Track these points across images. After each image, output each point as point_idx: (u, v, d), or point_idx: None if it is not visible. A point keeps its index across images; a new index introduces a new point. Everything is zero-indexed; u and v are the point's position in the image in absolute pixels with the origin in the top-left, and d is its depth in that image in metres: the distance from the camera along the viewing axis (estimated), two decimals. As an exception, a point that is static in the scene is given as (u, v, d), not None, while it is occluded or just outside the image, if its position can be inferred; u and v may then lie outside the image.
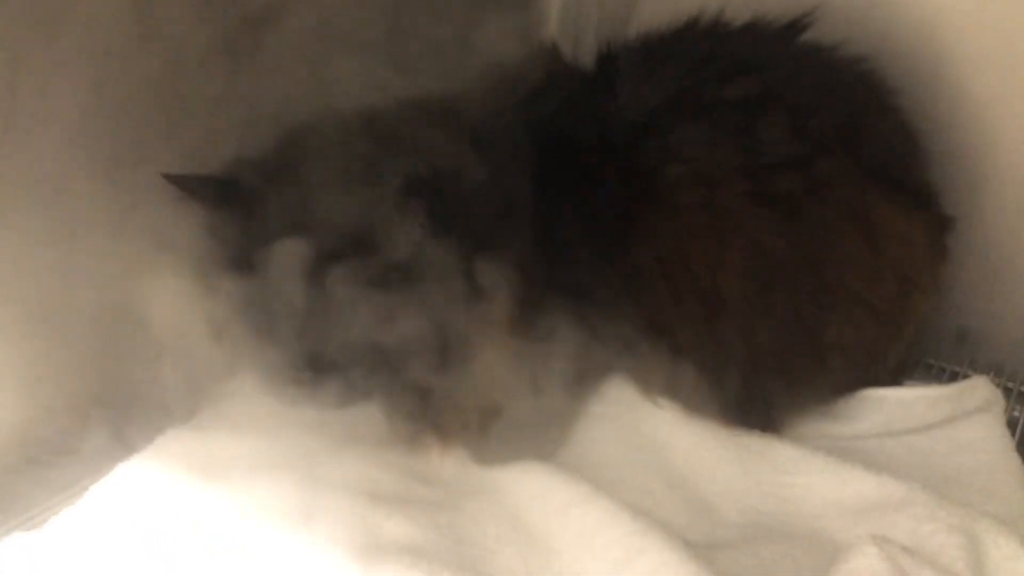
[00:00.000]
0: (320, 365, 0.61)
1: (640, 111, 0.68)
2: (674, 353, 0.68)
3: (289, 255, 0.58)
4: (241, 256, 0.59)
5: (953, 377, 0.82)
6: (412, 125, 0.64)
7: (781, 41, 0.73)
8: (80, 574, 0.56)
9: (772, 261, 0.66)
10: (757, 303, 0.67)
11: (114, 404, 0.67)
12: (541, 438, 0.69)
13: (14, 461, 0.61)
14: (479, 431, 0.69)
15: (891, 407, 0.71)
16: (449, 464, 0.69)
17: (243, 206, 0.59)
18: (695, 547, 0.57)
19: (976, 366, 0.82)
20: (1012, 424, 0.73)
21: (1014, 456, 0.67)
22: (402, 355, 0.62)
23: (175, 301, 0.64)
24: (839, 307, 0.68)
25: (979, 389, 0.72)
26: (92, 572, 0.56)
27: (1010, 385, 0.80)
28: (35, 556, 0.56)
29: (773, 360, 0.68)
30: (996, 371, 0.81)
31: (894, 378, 0.75)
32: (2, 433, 0.62)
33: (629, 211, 0.66)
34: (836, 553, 0.57)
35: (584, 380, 0.70)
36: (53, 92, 0.58)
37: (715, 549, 0.59)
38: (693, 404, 0.69)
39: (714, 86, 0.69)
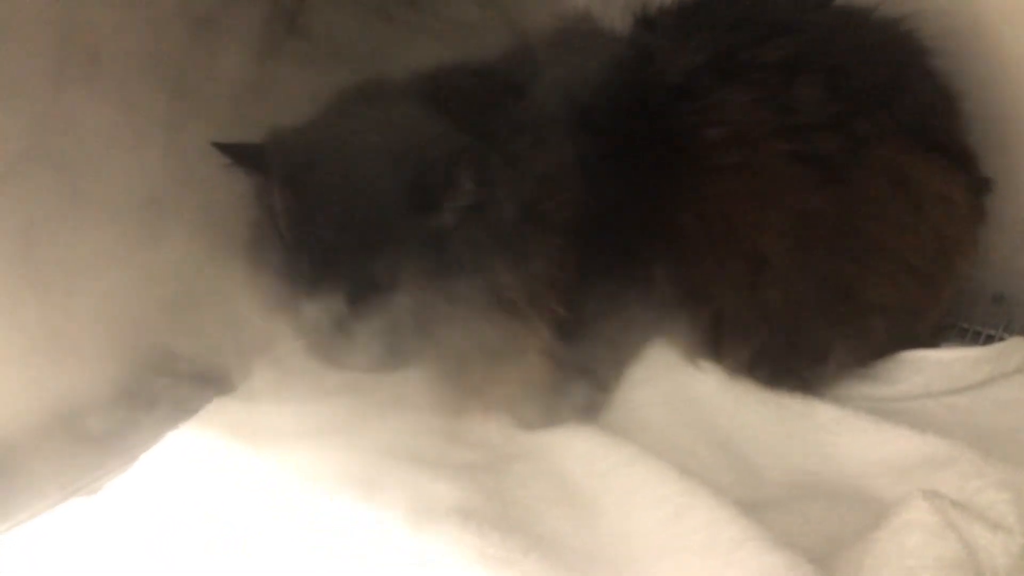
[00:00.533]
0: (364, 328, 0.61)
1: (678, 74, 0.68)
2: (715, 315, 0.68)
3: (335, 219, 0.58)
4: (289, 221, 0.59)
5: (988, 340, 0.82)
6: (456, 90, 0.64)
7: (818, 3, 0.73)
8: (133, 537, 0.57)
9: (812, 221, 0.66)
10: (798, 263, 0.67)
11: (164, 375, 0.68)
12: (584, 402, 0.69)
13: (74, 431, 0.62)
14: (522, 396, 0.70)
15: (931, 368, 0.71)
16: (493, 429, 0.69)
17: (290, 172, 0.60)
18: (742, 505, 0.58)
19: (1012, 329, 0.82)
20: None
21: (1055, 415, 0.67)
22: (445, 320, 0.62)
23: (220, 270, 0.65)
24: (880, 267, 0.68)
25: (1018, 350, 0.72)
26: (144, 535, 0.57)
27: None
28: (93, 520, 0.57)
29: (814, 321, 0.68)
30: (1032, 334, 0.80)
31: (932, 340, 0.75)
32: (62, 405, 0.63)
33: (670, 174, 0.66)
34: (882, 510, 0.58)
35: (627, 344, 0.70)
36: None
37: (760, 508, 0.60)
38: (734, 366, 0.70)
39: (751, 49, 0.69)
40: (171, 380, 0.69)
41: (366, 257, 0.59)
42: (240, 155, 0.61)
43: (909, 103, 0.70)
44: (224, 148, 0.60)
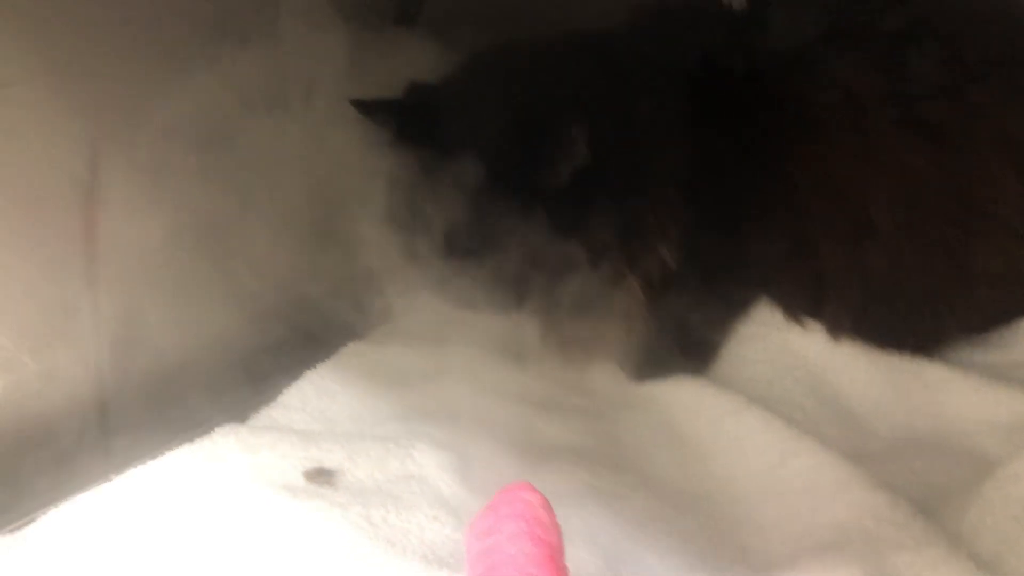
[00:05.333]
0: (480, 272, 0.66)
1: (793, 42, 0.70)
2: (818, 276, 0.70)
3: (461, 172, 0.63)
4: (419, 174, 0.64)
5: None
6: (576, 56, 0.67)
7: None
8: (276, 457, 0.62)
9: (921, 188, 0.67)
10: (905, 229, 0.68)
11: (303, 320, 0.74)
12: (691, 356, 0.72)
13: (223, 364, 0.69)
14: (628, 349, 0.73)
15: (1045, 337, 0.71)
16: (602, 378, 0.73)
17: (422, 126, 0.64)
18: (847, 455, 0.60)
19: None
20: None
21: None
22: (551, 274, 0.66)
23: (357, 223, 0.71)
24: (988, 236, 0.68)
25: None
26: (286, 456, 0.62)
27: None
28: (242, 442, 0.62)
29: (920, 287, 0.69)
30: None
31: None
32: (210, 343, 0.70)
33: (781, 136, 0.68)
34: (987, 466, 0.58)
35: (733, 300, 0.73)
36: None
37: (865, 460, 0.61)
38: (835, 326, 0.71)
39: (867, 18, 0.70)
40: (307, 325, 0.74)
41: (486, 208, 0.63)
42: (376, 110, 0.65)
43: (1022, 73, 0.69)
44: (360, 105, 0.65)
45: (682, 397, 0.68)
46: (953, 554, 0.49)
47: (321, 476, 0.61)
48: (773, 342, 0.71)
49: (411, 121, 0.65)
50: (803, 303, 0.71)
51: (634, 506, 0.59)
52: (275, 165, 0.72)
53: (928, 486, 0.59)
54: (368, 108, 0.66)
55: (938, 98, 0.67)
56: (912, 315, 0.69)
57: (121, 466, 0.61)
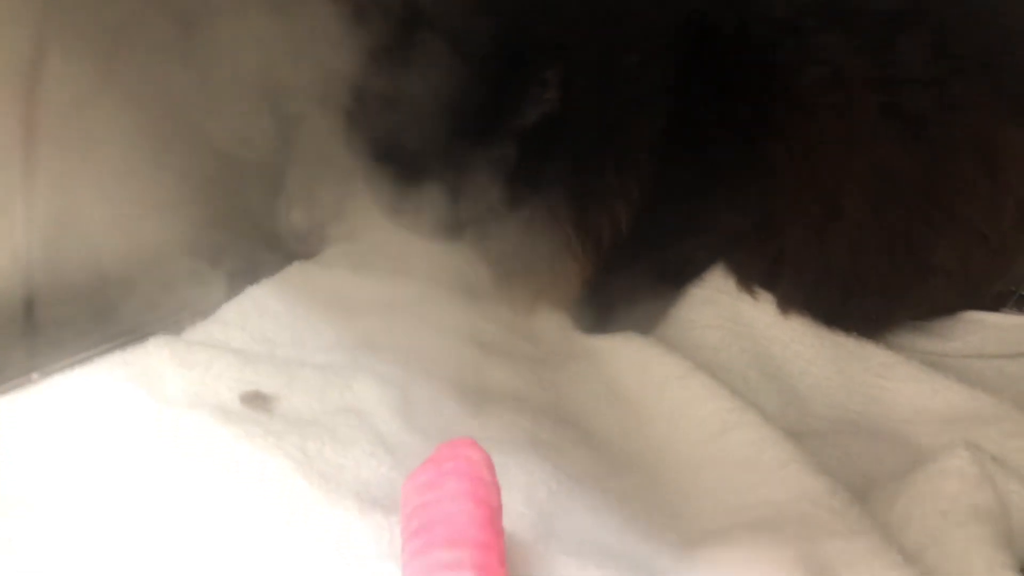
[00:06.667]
0: (429, 199, 0.64)
1: (786, 11, 0.68)
2: (779, 250, 0.70)
3: (427, 95, 0.60)
4: (384, 88, 0.61)
5: (1048, 312, 0.82)
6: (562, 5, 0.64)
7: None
8: (211, 376, 0.60)
9: (893, 177, 0.67)
10: (871, 215, 0.67)
11: (245, 233, 0.71)
12: (642, 313, 0.71)
13: (157, 269, 0.65)
14: (580, 299, 0.72)
15: (987, 331, 0.72)
16: (551, 327, 0.72)
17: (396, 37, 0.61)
18: (786, 431, 0.60)
19: (1075, 304, 0.82)
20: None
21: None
22: (501, 215, 0.64)
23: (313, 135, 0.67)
24: (951, 233, 0.68)
25: (1077, 325, 0.73)
26: (221, 375, 0.60)
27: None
28: (177, 356, 0.60)
29: (876, 272, 0.69)
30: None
31: (994, 304, 0.76)
32: (148, 248, 0.66)
33: (762, 106, 0.67)
34: (921, 456, 0.60)
35: (690, 263, 0.72)
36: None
37: (803, 437, 0.62)
38: (788, 301, 0.71)
39: None
40: (252, 239, 0.71)
41: (448, 135, 0.61)
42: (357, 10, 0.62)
43: (1012, 70, 0.69)
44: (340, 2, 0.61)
45: (630, 355, 0.68)
46: (883, 545, 0.50)
47: (257, 401, 0.59)
48: (724, 309, 0.71)
49: (388, 30, 0.62)
50: (759, 274, 0.71)
51: (574, 461, 0.59)
52: (227, 72, 0.68)
53: (861, 470, 0.60)
54: (347, 8, 0.62)
55: (922, 88, 0.66)
56: (864, 299, 0.70)
57: (46, 366, 0.59)
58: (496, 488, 0.46)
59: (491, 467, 0.46)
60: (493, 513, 0.44)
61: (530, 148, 0.63)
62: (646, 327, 0.71)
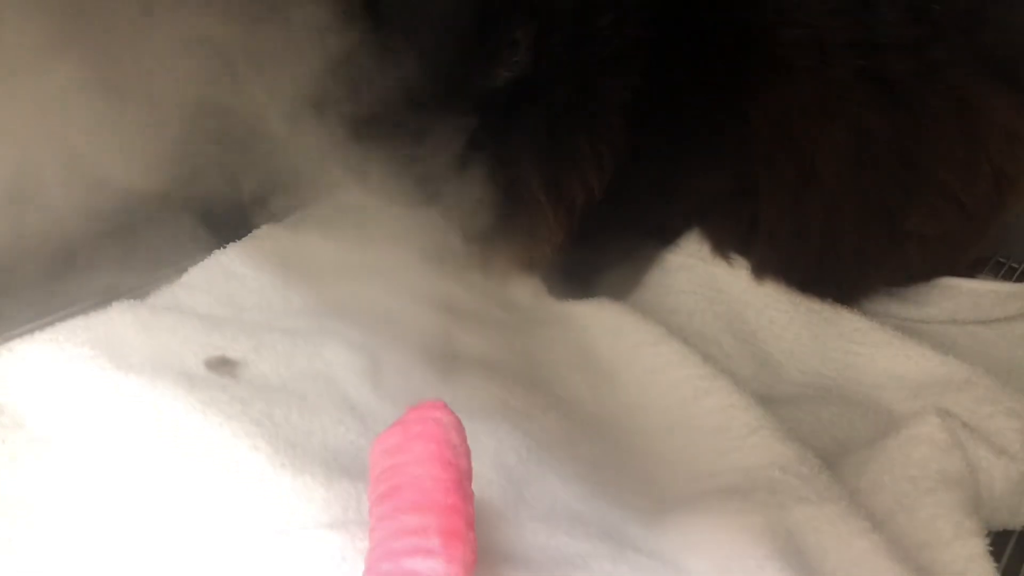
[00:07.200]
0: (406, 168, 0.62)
1: None
2: (754, 215, 0.69)
3: (396, 56, 0.59)
4: (351, 49, 0.60)
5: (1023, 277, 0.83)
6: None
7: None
8: (177, 341, 0.59)
9: (870, 141, 0.66)
10: (847, 179, 0.67)
11: (212, 195, 0.69)
12: (616, 278, 0.71)
13: (121, 232, 0.64)
14: (552, 264, 0.71)
15: (962, 297, 0.72)
16: (524, 292, 0.72)
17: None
18: (758, 397, 0.60)
19: (1049, 269, 0.83)
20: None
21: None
22: (470, 182, 0.63)
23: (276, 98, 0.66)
24: (928, 198, 0.68)
25: (1051, 291, 0.73)
26: (187, 340, 0.59)
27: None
28: (141, 321, 0.59)
29: (851, 238, 0.69)
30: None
31: (970, 271, 0.76)
32: (110, 209, 0.65)
33: (739, 67, 0.66)
34: (892, 422, 0.60)
35: (664, 229, 0.72)
36: None
37: (775, 403, 0.62)
38: (762, 266, 0.71)
39: None
40: (220, 201, 0.70)
41: (417, 97, 0.60)
42: None
43: (992, 34, 0.68)
44: None
45: (602, 320, 0.67)
46: (852, 511, 0.50)
47: (223, 366, 0.58)
48: (698, 274, 0.71)
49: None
50: (734, 240, 0.70)
51: (544, 427, 0.58)
52: (191, 22, 0.66)
53: (833, 436, 0.61)
54: None
55: (900, 52, 0.65)
56: (839, 265, 0.69)
57: (7, 330, 0.57)
58: (466, 451, 0.45)
59: (461, 430, 0.45)
60: (461, 476, 0.43)
61: (500, 111, 0.62)
62: (620, 293, 0.71)
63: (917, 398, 0.62)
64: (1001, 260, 0.84)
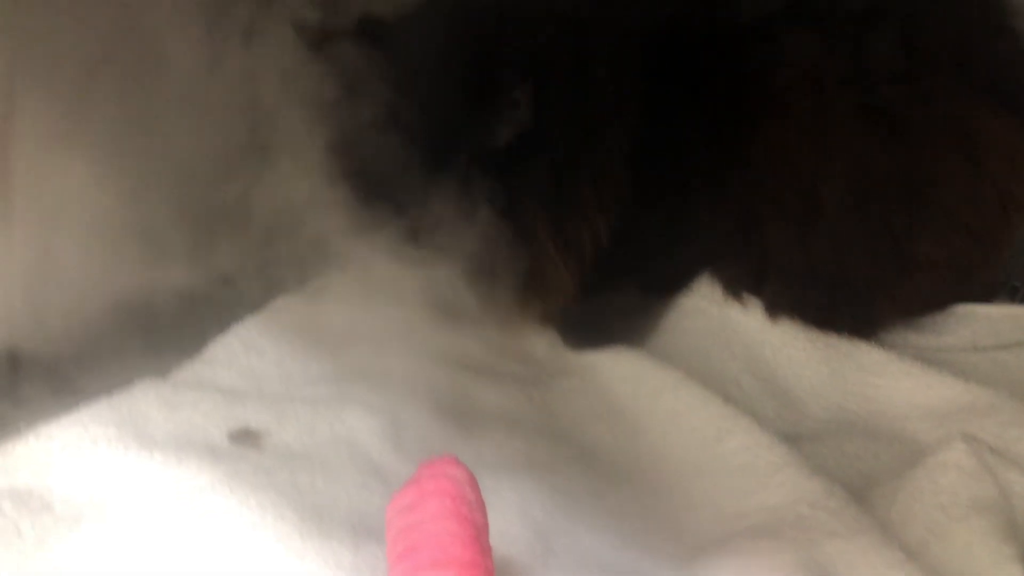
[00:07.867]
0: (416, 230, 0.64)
1: (756, 16, 0.68)
2: (763, 254, 0.70)
3: (400, 120, 0.60)
4: (358, 117, 0.61)
5: (1039, 301, 0.82)
6: (535, 11, 0.65)
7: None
8: (200, 415, 0.60)
9: (872, 173, 0.67)
10: (852, 212, 0.67)
11: (230, 270, 0.70)
12: (630, 327, 0.71)
13: (145, 314, 0.65)
14: (566, 315, 0.72)
15: (979, 323, 0.72)
16: (540, 345, 0.72)
17: (372, 58, 0.61)
18: (781, 435, 0.60)
19: (1064, 293, 0.82)
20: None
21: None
22: (494, 234, 0.64)
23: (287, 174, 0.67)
24: (933, 225, 0.68)
25: (1068, 313, 0.73)
26: (210, 414, 0.60)
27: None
28: (163, 399, 0.60)
29: (861, 270, 0.69)
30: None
31: (984, 296, 0.75)
32: (131, 291, 0.66)
33: (736, 112, 0.67)
34: (918, 451, 0.59)
35: (676, 273, 0.72)
36: None
37: (799, 440, 0.61)
38: (775, 304, 0.71)
39: None
40: (235, 275, 0.71)
41: (423, 160, 0.61)
42: (322, 42, 0.62)
43: (982, 61, 0.69)
44: (305, 32, 0.62)
45: (620, 368, 0.67)
46: (884, 542, 0.50)
47: (247, 438, 0.58)
48: (713, 316, 0.71)
49: (365, 51, 0.62)
50: (745, 280, 0.71)
51: (568, 479, 0.58)
52: (203, 106, 0.68)
53: (859, 470, 0.60)
54: (313, 38, 0.62)
55: (895, 84, 0.66)
56: (852, 297, 0.69)
57: (32, 417, 0.58)
58: (481, 505, 0.45)
59: (474, 484, 0.45)
60: (478, 531, 0.43)
61: (506, 167, 0.63)
62: (636, 340, 0.71)
63: (942, 426, 0.61)
64: (1016, 285, 0.84)
